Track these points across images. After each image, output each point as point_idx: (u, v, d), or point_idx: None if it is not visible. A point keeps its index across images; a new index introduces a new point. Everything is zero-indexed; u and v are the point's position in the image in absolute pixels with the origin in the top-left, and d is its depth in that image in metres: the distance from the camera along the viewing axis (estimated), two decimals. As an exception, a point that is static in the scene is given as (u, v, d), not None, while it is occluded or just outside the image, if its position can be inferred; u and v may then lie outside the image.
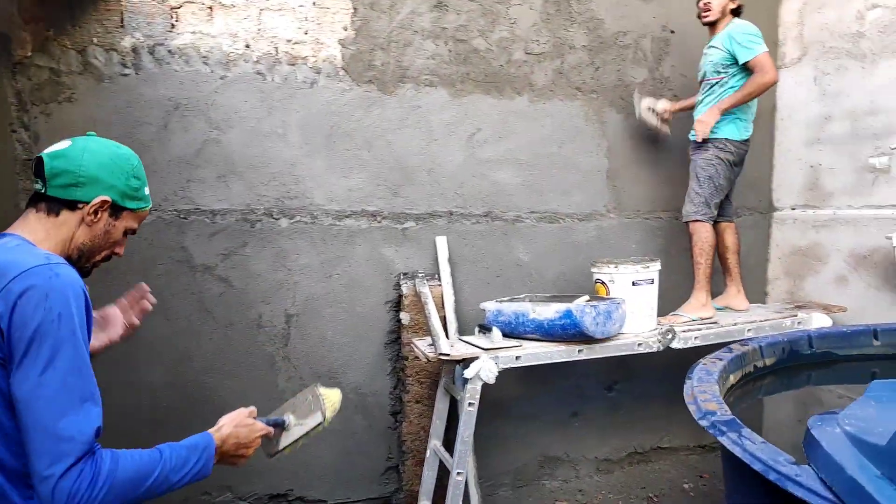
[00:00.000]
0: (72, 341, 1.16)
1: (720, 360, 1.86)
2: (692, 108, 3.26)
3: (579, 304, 2.56)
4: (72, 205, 1.32)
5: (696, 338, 2.85)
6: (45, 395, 1.11)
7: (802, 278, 3.64)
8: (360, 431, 3.20)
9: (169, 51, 2.89)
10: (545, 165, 3.47)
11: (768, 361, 1.98)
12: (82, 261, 1.38)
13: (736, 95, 2.91)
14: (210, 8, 2.93)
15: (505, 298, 2.98)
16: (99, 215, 1.35)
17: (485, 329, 2.77)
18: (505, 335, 2.69)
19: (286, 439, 1.58)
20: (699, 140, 2.94)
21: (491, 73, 3.37)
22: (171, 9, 2.88)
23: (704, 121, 2.94)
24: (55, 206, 1.32)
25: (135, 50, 2.85)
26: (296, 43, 3.08)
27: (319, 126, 3.12)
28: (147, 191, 1.50)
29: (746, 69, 2.92)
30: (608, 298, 2.73)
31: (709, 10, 3.04)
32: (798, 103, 3.71)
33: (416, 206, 3.27)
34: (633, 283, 2.81)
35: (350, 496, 3.21)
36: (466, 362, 2.54)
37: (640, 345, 2.76)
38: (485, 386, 2.52)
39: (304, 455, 3.10)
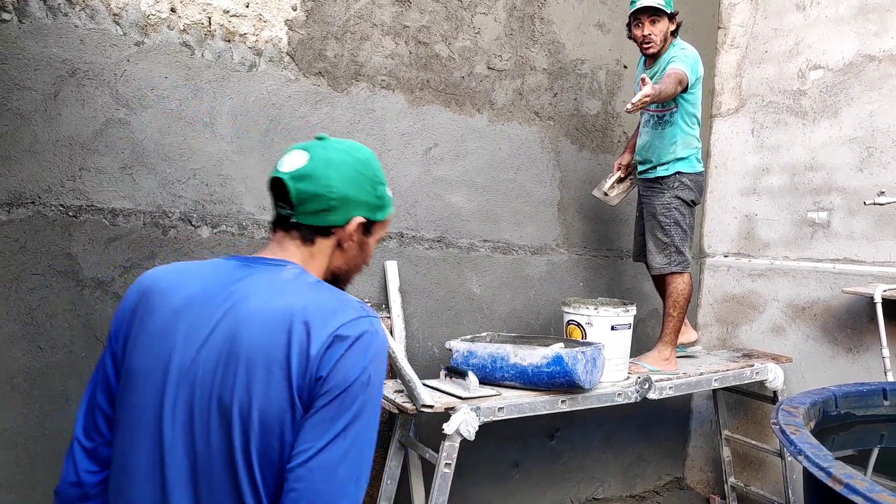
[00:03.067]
0: (372, 411, 1.07)
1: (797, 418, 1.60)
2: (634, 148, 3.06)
3: (570, 351, 2.26)
4: (325, 231, 1.18)
5: (669, 388, 2.67)
6: (330, 460, 1.00)
7: (736, 326, 3.64)
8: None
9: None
10: (501, 192, 3.18)
11: (812, 424, 1.80)
12: (339, 284, 1.23)
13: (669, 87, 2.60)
14: (133, -46, 2.32)
15: (467, 337, 2.61)
16: (355, 238, 1.20)
17: (454, 373, 2.37)
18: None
19: None
20: (633, 102, 2.34)
21: (452, 83, 3.03)
22: (81, -54, 2.24)
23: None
24: (308, 233, 1.18)
25: (24, -10, 2.17)
26: (234, 16, 2.54)
27: (256, 118, 2.59)
28: (389, 189, 1.29)
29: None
30: (589, 343, 2.46)
31: (651, 42, 2.77)
32: (734, 153, 3.76)
33: (363, 225, 2.82)
34: (613, 328, 2.57)
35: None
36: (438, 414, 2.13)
37: (619, 395, 2.51)
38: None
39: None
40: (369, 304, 2.73)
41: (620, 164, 3.11)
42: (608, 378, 2.54)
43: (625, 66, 3.60)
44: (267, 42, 2.60)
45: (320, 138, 1.23)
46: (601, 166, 3.46)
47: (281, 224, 1.20)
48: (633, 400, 2.54)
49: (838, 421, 1.92)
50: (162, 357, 1.07)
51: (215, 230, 2.50)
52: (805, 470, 1.40)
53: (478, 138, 3.10)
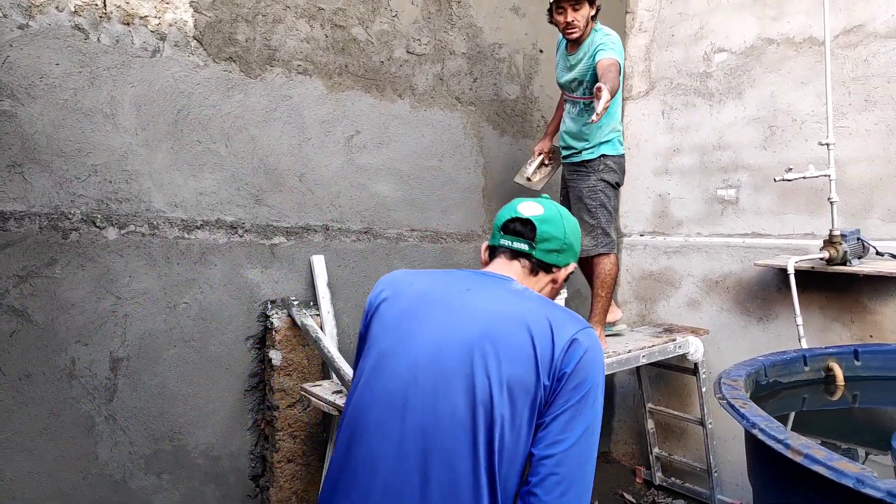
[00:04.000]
0: (599, 419, 1.21)
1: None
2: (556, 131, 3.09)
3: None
4: (548, 268, 1.40)
5: (602, 368, 2.72)
6: (583, 450, 1.16)
7: (654, 302, 3.78)
8: (210, 506, 2.48)
9: (-63, -26, 1.96)
10: (427, 179, 3.12)
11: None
12: None
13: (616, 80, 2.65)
14: (10, -76, 2.06)
15: (402, 330, 2.54)
16: (564, 279, 1.44)
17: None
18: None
19: None
20: (598, 112, 2.32)
21: (371, 68, 2.92)
22: (-54, -86, 1.97)
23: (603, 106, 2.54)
24: (536, 266, 1.39)
25: None
26: (132, -4, 2.33)
27: (162, 108, 2.39)
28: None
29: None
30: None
31: (574, 28, 2.74)
32: (646, 134, 3.88)
33: (286, 218, 2.68)
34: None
35: None
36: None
37: (556, 378, 2.52)
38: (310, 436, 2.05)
39: (135, 549, 2.30)
40: (297, 302, 2.61)
41: (542, 149, 3.12)
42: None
43: (541, 51, 3.61)
44: (171, 25, 2.40)
45: (544, 197, 1.47)
46: (522, 151, 3.46)
47: (510, 254, 1.41)
48: (569, 382, 2.56)
49: (767, 389, 2.01)
50: (408, 334, 1.26)
51: (123, 231, 2.29)
52: (754, 441, 1.44)
53: (401, 125, 3.02)
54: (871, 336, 2.85)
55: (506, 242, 1.41)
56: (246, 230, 2.57)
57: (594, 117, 2.30)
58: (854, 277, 2.82)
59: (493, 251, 1.45)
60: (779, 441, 1.25)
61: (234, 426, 2.53)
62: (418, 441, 1.15)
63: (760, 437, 1.31)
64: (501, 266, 1.41)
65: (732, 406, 1.49)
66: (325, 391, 2.23)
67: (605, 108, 2.30)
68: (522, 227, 1.40)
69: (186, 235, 2.43)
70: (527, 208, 1.42)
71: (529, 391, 1.15)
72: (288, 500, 2.52)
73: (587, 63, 2.72)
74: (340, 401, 2.11)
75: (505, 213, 1.44)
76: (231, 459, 2.52)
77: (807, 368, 2.18)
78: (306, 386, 2.34)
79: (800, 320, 2.69)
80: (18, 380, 2.08)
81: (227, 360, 2.51)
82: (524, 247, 1.39)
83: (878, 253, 2.80)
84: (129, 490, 2.29)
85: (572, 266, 1.44)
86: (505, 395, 1.14)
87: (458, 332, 1.21)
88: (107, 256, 2.25)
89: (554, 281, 1.42)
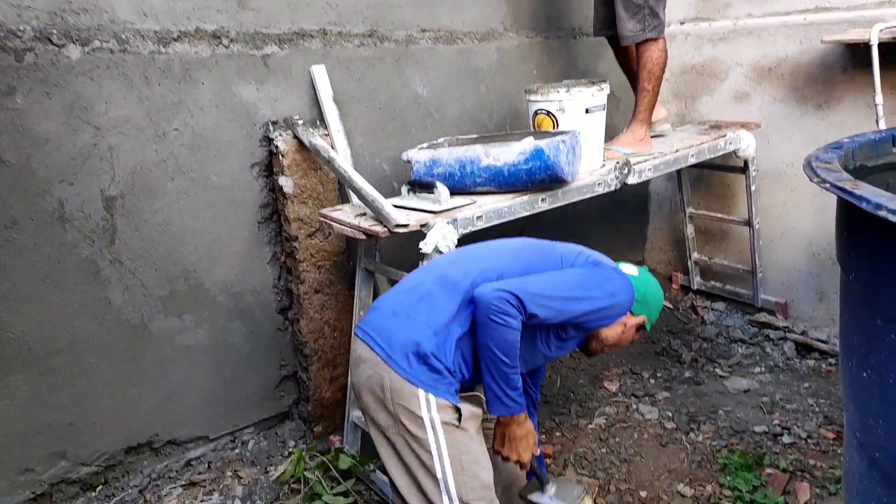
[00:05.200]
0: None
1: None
2: None
3: (551, 142, 1.95)
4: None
5: (649, 170, 2.45)
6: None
7: (696, 98, 3.40)
8: (240, 342, 2.37)
9: None
10: (434, -35, 2.64)
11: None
12: None
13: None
14: None
15: (424, 145, 2.26)
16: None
17: (419, 186, 2.05)
18: (447, 191, 2.01)
19: (536, 497, 1.66)
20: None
21: None
22: None
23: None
24: None
25: None
26: None
27: None
28: None
29: None
30: (565, 132, 2.15)
31: None
32: None
33: (276, 23, 2.28)
34: (587, 111, 2.26)
35: (238, 423, 2.44)
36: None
37: (599, 184, 2.27)
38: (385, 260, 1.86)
39: (168, 387, 2.23)
40: (302, 122, 2.30)
41: None
42: (584, 168, 2.28)
43: None
44: None
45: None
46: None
47: None
48: (612, 188, 2.32)
49: (854, 174, 1.72)
50: None
51: (87, 49, 1.94)
52: (855, 217, 1.20)
53: None
54: (951, 116, 2.52)
55: None
56: (231, 39, 2.19)
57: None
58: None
59: None
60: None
61: (253, 260, 2.35)
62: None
63: (892, 218, 1.07)
64: None
65: (841, 188, 1.23)
66: (347, 215, 2.01)
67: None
68: None
69: (163, 49, 2.07)
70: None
71: None
72: (320, 330, 2.41)
73: None
74: (365, 223, 1.88)
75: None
76: (254, 294, 2.37)
77: (895, 150, 1.89)
78: (325, 211, 2.11)
79: (880, 98, 2.35)
80: (4, 228, 1.87)
81: (233, 190, 2.27)
82: None
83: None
84: (151, 333, 2.17)
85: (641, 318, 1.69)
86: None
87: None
88: (74, 80, 1.92)
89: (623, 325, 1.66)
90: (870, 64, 2.42)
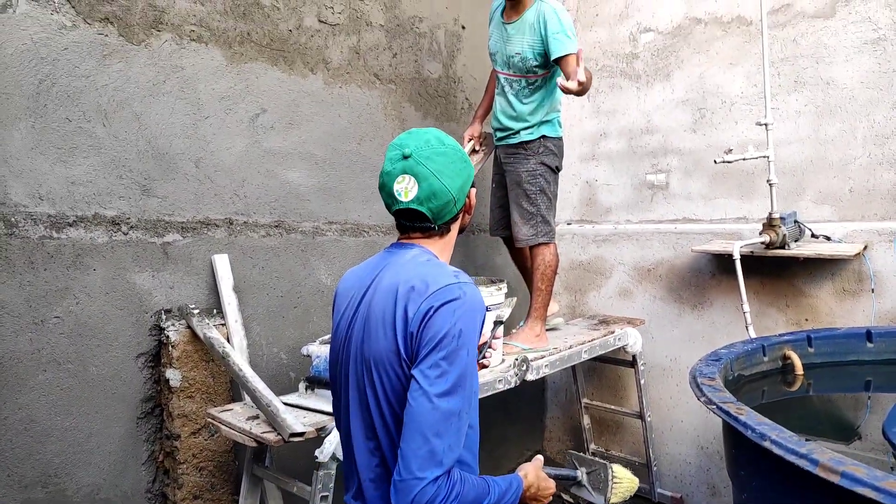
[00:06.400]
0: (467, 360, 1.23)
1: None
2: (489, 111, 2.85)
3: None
4: (456, 216, 1.40)
5: (545, 366, 2.51)
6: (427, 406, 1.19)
7: (584, 292, 3.63)
8: (97, 561, 2.04)
9: None
10: (344, 165, 2.78)
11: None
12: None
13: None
14: None
15: (325, 338, 2.22)
16: (474, 202, 1.45)
17: (316, 383, 1.97)
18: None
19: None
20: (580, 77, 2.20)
21: (278, 37, 2.55)
22: None
23: None
24: (445, 227, 1.39)
25: None
26: (-29, -64, 1.85)
27: (19, 77, 1.93)
28: None
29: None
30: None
31: None
32: (572, 119, 3.71)
33: (181, 211, 2.27)
34: (487, 308, 2.32)
35: None
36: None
37: (500, 381, 2.29)
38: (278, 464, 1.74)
39: None
40: (197, 311, 2.22)
41: (472, 134, 2.87)
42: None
43: (463, 27, 3.36)
44: (25, -26, 1.94)
45: (406, 156, 1.32)
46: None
47: (420, 229, 1.38)
48: (513, 385, 2.34)
49: (734, 385, 1.85)
50: (340, 334, 1.40)
51: (-31, 231, 1.82)
52: (750, 445, 1.25)
53: (313, 103, 2.67)
54: (806, 320, 2.82)
55: (408, 224, 1.38)
56: (132, 226, 2.15)
57: (572, 82, 2.11)
58: (789, 261, 2.77)
59: (403, 228, 1.41)
60: (802, 456, 1.06)
61: (126, 461, 2.11)
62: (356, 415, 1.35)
63: (777, 451, 1.11)
64: (414, 235, 1.40)
65: (727, 413, 1.30)
66: (238, 417, 1.87)
67: (588, 77, 2.20)
68: (414, 213, 1.34)
69: (56, 235, 1.98)
70: (401, 189, 1.32)
71: (394, 358, 1.25)
72: (195, 544, 2.13)
73: (534, 38, 2.48)
74: (257, 429, 1.76)
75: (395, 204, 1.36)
76: (124, 501, 2.10)
77: (766, 358, 2.07)
78: (214, 412, 1.96)
79: (747, 307, 2.60)
80: None
81: (114, 383, 2.08)
82: (430, 226, 1.37)
83: (813, 235, 2.76)
84: (-11, 554, 1.83)
85: (472, 199, 1.43)
86: (380, 368, 1.26)
87: (358, 320, 1.35)
88: (-54, 263, 1.78)
89: (466, 211, 1.44)
90: (734, 271, 2.71)
